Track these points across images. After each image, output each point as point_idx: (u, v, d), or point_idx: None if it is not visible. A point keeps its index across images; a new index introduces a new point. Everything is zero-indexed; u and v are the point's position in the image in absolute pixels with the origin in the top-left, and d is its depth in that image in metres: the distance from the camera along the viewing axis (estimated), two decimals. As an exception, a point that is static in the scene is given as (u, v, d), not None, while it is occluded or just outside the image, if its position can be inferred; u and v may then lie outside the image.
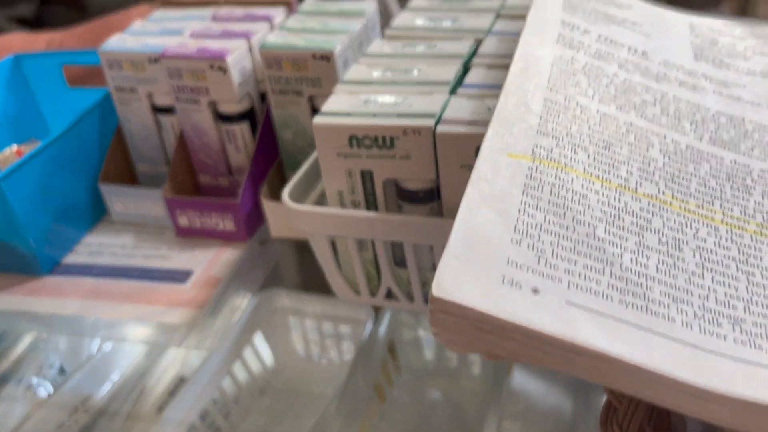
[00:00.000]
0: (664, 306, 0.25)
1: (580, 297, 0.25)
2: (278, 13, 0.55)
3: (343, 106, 0.40)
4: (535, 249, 0.26)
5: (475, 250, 0.26)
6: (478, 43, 0.46)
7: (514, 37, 0.45)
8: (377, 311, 0.57)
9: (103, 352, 0.57)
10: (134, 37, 0.55)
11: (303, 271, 0.62)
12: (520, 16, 0.48)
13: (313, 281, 0.60)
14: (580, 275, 0.26)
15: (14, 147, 0.58)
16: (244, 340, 0.60)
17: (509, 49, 0.44)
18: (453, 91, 0.41)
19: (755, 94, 0.39)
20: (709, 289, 0.27)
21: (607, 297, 0.25)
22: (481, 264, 0.25)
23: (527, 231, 0.27)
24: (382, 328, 0.58)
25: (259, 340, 0.61)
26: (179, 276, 0.52)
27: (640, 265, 0.27)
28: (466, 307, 0.24)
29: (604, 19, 0.42)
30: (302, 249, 0.57)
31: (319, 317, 0.62)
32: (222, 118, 0.53)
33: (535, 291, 0.25)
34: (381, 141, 0.38)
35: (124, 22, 0.76)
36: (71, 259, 0.56)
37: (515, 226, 0.27)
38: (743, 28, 0.45)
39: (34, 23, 0.86)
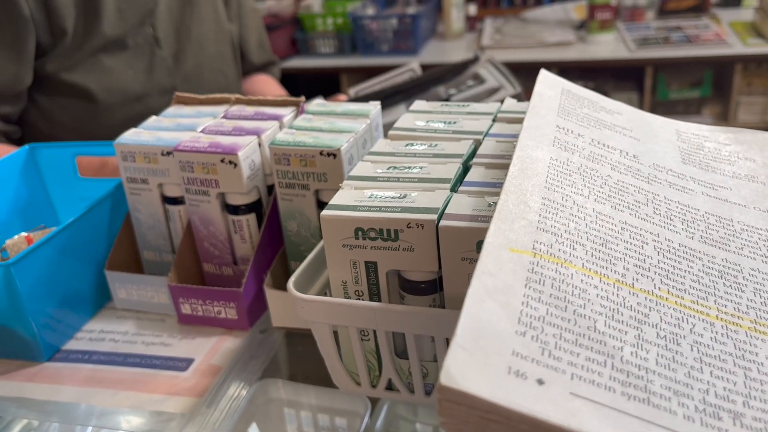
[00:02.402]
0: (666, 399, 0.26)
1: (583, 388, 0.26)
2: (287, 113, 0.58)
3: (349, 200, 0.41)
4: (539, 341, 0.27)
5: (481, 342, 0.26)
6: (477, 144, 0.48)
7: (511, 139, 0.48)
8: (374, 404, 0.57)
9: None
10: (149, 131, 0.58)
11: (301, 361, 0.62)
12: (516, 120, 0.51)
13: (310, 372, 0.60)
14: (582, 367, 0.26)
15: (23, 234, 0.59)
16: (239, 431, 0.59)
17: (506, 150, 0.46)
18: (454, 189, 0.43)
19: (741, 196, 0.41)
20: (708, 383, 0.27)
21: (609, 389, 0.26)
22: (488, 355, 0.26)
23: (531, 323, 0.28)
24: (379, 422, 0.57)
25: (253, 432, 0.60)
26: (180, 364, 0.52)
27: (640, 358, 0.28)
28: (473, 396, 0.24)
29: (596, 124, 0.45)
30: (300, 339, 0.58)
31: (314, 409, 0.61)
32: (230, 209, 0.54)
33: (540, 382, 0.25)
34: (385, 233, 0.40)
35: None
36: (72, 345, 0.56)
37: (519, 318, 0.28)
38: (727, 135, 0.48)
39: (39, 117, 0.89)
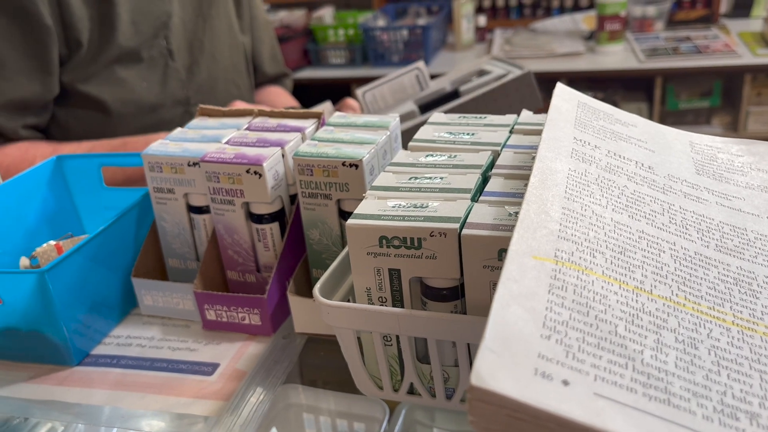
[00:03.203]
0: (685, 400, 0.27)
1: (606, 389, 0.27)
2: (309, 125, 0.60)
3: (373, 210, 0.43)
4: (563, 344, 0.28)
5: (508, 344, 0.28)
6: (495, 155, 0.50)
7: (528, 150, 0.49)
8: (392, 410, 0.58)
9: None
10: (175, 142, 0.59)
11: (321, 367, 0.63)
12: (532, 132, 0.52)
13: (329, 378, 0.61)
14: (605, 369, 0.28)
15: (52, 242, 0.61)
16: (260, 436, 0.60)
17: (524, 161, 0.48)
18: (474, 198, 0.44)
19: (755, 206, 0.42)
20: (726, 385, 0.29)
21: (631, 390, 0.27)
22: (515, 356, 0.27)
23: (555, 327, 0.29)
24: (397, 427, 0.58)
25: (273, 437, 0.62)
26: (206, 368, 0.54)
27: (660, 361, 0.29)
28: (502, 396, 0.26)
29: (612, 136, 0.46)
30: (321, 345, 0.59)
31: (333, 414, 0.63)
32: (254, 218, 0.56)
33: (565, 383, 0.27)
34: (409, 242, 0.41)
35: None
36: (100, 350, 0.57)
37: (543, 323, 0.29)
38: (739, 146, 0.49)
39: (55, 127, 0.91)
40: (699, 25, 2.15)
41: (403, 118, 1.07)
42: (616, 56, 1.98)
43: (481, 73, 1.14)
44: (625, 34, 2.07)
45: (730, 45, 1.95)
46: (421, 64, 1.18)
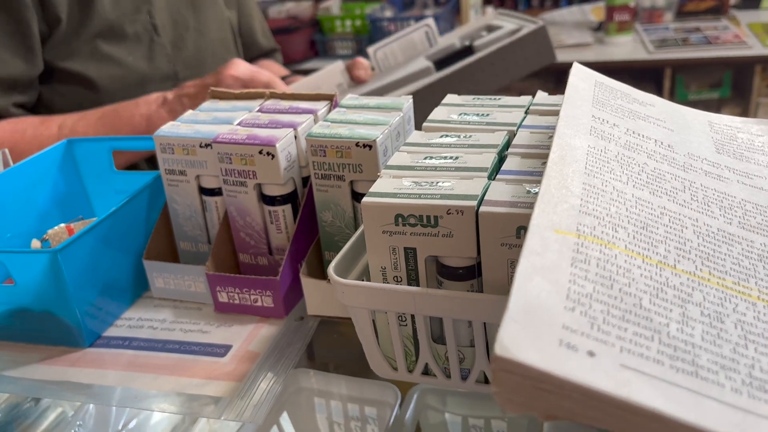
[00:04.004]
0: (713, 372, 0.27)
1: (633, 361, 0.26)
2: (321, 107, 0.60)
3: (389, 188, 0.42)
4: (588, 316, 0.28)
5: (532, 315, 0.27)
6: (511, 135, 0.49)
7: (544, 130, 0.49)
8: (404, 394, 0.58)
9: (132, 423, 0.57)
10: (186, 124, 0.59)
11: (332, 351, 0.63)
12: (548, 113, 0.52)
13: (341, 361, 0.61)
14: (631, 341, 0.27)
15: (63, 225, 0.61)
16: (270, 420, 0.60)
17: (541, 141, 0.47)
18: (491, 177, 0.43)
19: (776, 184, 0.41)
20: (753, 358, 0.28)
21: (658, 362, 0.27)
22: (539, 327, 0.27)
23: (579, 299, 0.29)
24: (409, 411, 0.58)
25: (284, 421, 0.61)
26: (218, 350, 0.53)
27: (686, 334, 0.28)
28: (527, 366, 0.25)
29: (630, 114, 0.46)
30: (333, 328, 0.59)
31: (344, 399, 0.62)
32: (266, 200, 0.56)
33: (591, 354, 0.26)
34: (425, 220, 0.40)
35: (134, 112, 0.82)
36: (112, 332, 0.57)
37: (567, 295, 0.29)
38: (759, 126, 0.48)
39: (39, 105, 0.91)
40: (709, 16, 2.13)
41: (419, 74, 1.06)
42: (625, 47, 1.96)
43: (490, 28, 1.13)
44: (634, 24, 2.05)
45: (740, 36, 1.94)
46: (430, 21, 1.17)
